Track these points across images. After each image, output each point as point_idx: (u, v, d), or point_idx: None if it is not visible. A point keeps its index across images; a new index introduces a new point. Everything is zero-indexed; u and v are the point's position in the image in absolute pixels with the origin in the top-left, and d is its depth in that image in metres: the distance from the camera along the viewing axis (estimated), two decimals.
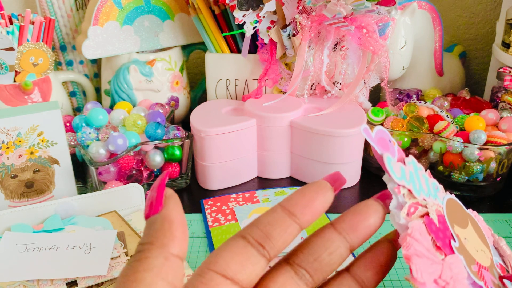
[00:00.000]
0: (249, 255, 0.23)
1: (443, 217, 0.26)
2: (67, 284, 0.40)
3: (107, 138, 0.55)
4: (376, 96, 0.77)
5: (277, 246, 0.24)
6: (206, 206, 0.55)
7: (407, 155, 0.28)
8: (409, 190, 0.25)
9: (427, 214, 0.25)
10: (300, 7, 0.57)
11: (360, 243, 0.25)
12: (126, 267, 0.21)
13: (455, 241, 0.26)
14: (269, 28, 0.60)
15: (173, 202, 0.23)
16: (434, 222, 0.25)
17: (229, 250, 0.23)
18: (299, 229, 0.24)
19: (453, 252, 0.25)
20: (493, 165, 0.55)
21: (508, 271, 0.29)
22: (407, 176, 0.26)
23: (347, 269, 0.26)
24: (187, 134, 0.58)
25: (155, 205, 0.23)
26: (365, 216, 0.25)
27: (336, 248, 0.24)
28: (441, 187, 0.29)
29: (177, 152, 0.58)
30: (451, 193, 0.29)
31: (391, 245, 0.26)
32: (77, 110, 0.77)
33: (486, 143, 0.54)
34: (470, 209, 0.31)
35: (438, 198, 0.27)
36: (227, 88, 0.68)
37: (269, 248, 0.23)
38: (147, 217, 0.23)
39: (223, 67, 0.66)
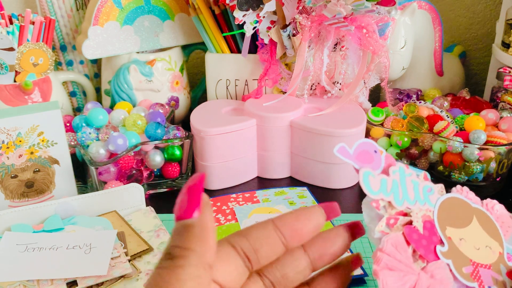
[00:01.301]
0: (237, 265, 0.24)
1: (432, 222, 0.26)
2: (67, 284, 0.40)
3: (107, 138, 0.55)
4: (376, 96, 0.77)
5: (261, 262, 0.25)
6: None
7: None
8: (389, 202, 0.26)
9: (410, 222, 0.26)
10: (300, 7, 0.57)
11: (322, 267, 0.27)
12: (159, 273, 0.20)
13: (443, 245, 0.26)
14: (269, 28, 0.60)
15: (209, 209, 0.23)
16: (416, 230, 0.26)
17: (220, 257, 0.24)
18: (284, 250, 0.25)
19: (437, 258, 0.25)
20: (493, 165, 0.55)
21: None
22: (388, 187, 0.26)
23: (307, 283, 0.27)
24: (187, 134, 0.58)
25: (190, 208, 0.22)
26: (332, 244, 0.26)
27: (302, 269, 0.26)
28: (438, 187, 0.29)
29: (177, 152, 0.58)
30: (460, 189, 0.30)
31: (349, 267, 0.27)
32: (77, 110, 0.77)
33: (486, 143, 0.54)
34: (488, 200, 0.30)
35: (428, 202, 0.27)
36: (227, 88, 0.68)
37: (253, 262, 0.24)
38: (179, 219, 0.22)
39: (223, 67, 0.66)
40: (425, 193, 0.28)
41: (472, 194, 0.30)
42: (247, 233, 0.25)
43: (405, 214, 0.26)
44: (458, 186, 0.30)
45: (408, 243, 0.25)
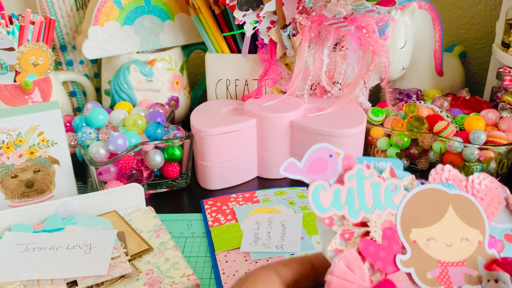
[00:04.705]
0: None
1: (393, 228, 0.25)
2: (67, 284, 0.40)
3: (107, 138, 0.55)
4: (376, 96, 0.77)
5: None
6: (206, 206, 0.55)
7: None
8: (343, 216, 0.25)
9: (368, 233, 0.25)
10: (300, 7, 0.57)
11: None
12: None
13: (406, 251, 0.25)
14: (269, 28, 0.60)
15: None
16: (373, 242, 0.25)
17: (266, 283, 0.25)
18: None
19: (397, 269, 0.24)
20: (493, 165, 0.55)
21: None
22: (342, 199, 0.25)
23: None
24: (187, 134, 0.58)
25: None
26: None
27: None
28: (407, 180, 0.27)
29: (177, 152, 0.58)
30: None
31: None
32: (77, 110, 0.78)
33: (486, 143, 0.54)
34: (475, 176, 0.28)
35: (391, 205, 0.26)
36: (227, 88, 0.68)
37: None
38: None
39: (223, 67, 0.66)
40: (388, 194, 0.26)
41: (454, 172, 0.28)
42: (290, 264, 0.26)
43: (364, 224, 0.25)
44: (438, 167, 0.28)
45: (363, 259, 0.24)
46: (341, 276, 0.24)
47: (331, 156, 0.26)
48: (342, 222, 0.25)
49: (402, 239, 0.25)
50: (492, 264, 0.26)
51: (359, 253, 0.25)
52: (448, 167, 0.28)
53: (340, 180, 0.25)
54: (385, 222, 0.25)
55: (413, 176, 0.27)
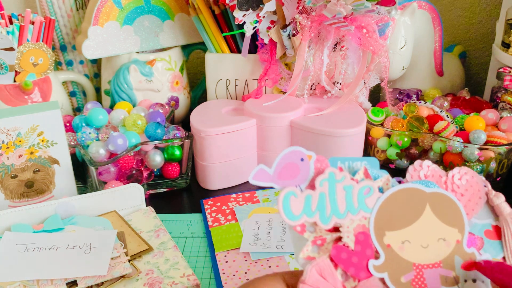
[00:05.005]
0: None
1: (366, 232, 0.25)
2: (67, 284, 0.40)
3: (107, 138, 0.55)
4: (376, 96, 0.77)
5: None
6: (206, 206, 0.55)
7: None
8: (315, 223, 0.24)
9: (340, 238, 0.24)
10: (300, 7, 0.57)
11: None
12: None
13: (378, 257, 0.24)
14: (269, 28, 0.60)
15: None
16: (346, 248, 0.24)
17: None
18: None
19: (370, 275, 0.24)
20: (493, 165, 0.55)
21: (503, 231, 0.27)
22: (313, 205, 0.24)
23: None
24: (187, 134, 0.58)
25: None
26: None
27: None
28: (382, 181, 0.26)
29: (177, 152, 0.58)
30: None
31: None
32: (77, 110, 0.77)
33: (486, 143, 0.54)
34: (455, 170, 0.27)
35: (364, 208, 0.25)
36: (227, 88, 0.68)
37: None
38: None
39: (223, 67, 0.66)
40: (361, 197, 0.25)
41: (433, 167, 0.27)
42: (298, 274, 0.25)
43: (336, 229, 0.25)
44: (417, 163, 0.27)
45: (335, 266, 0.24)
46: (313, 284, 0.23)
47: (302, 159, 0.25)
48: (314, 228, 0.25)
49: (375, 243, 0.25)
50: (471, 265, 0.26)
51: (332, 259, 0.24)
52: (427, 162, 0.27)
53: (312, 185, 0.25)
54: (358, 227, 0.25)
55: (388, 176, 0.26)
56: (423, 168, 0.27)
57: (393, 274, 0.25)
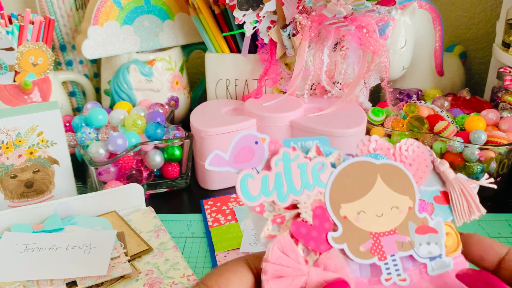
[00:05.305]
0: (248, 283, 0.25)
1: (323, 206, 0.26)
2: (67, 284, 0.40)
3: (107, 138, 0.55)
4: (376, 96, 0.77)
5: None
6: (206, 206, 0.55)
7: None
8: (273, 201, 0.25)
9: (298, 215, 0.25)
10: (300, 7, 0.57)
11: None
12: None
13: (337, 228, 0.25)
14: (269, 28, 0.60)
15: None
16: (304, 223, 0.25)
17: (235, 273, 0.25)
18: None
19: (330, 247, 0.25)
20: (494, 165, 0.55)
21: (450, 195, 0.28)
22: (270, 185, 0.25)
23: None
24: (187, 134, 0.58)
25: None
26: None
27: None
28: (334, 157, 0.27)
29: (177, 152, 0.58)
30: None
31: None
32: (77, 110, 0.77)
33: (487, 143, 0.54)
34: (402, 142, 0.28)
35: (319, 184, 0.26)
36: (227, 88, 0.67)
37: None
38: None
39: (223, 67, 0.66)
40: (315, 173, 0.26)
41: (381, 141, 0.28)
42: (261, 255, 0.25)
43: (294, 206, 0.26)
44: (365, 138, 0.28)
45: (295, 241, 0.25)
46: (276, 262, 0.24)
47: (256, 142, 0.26)
48: (273, 207, 0.25)
49: (332, 216, 0.26)
50: (424, 228, 0.27)
51: (292, 236, 0.25)
52: (375, 137, 0.28)
53: (268, 165, 0.26)
54: (315, 202, 0.26)
55: (339, 152, 0.27)
56: (372, 142, 0.28)
57: (352, 244, 0.25)
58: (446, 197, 0.28)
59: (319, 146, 0.27)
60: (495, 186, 0.29)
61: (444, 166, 0.28)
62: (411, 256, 0.26)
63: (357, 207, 0.26)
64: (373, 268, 0.26)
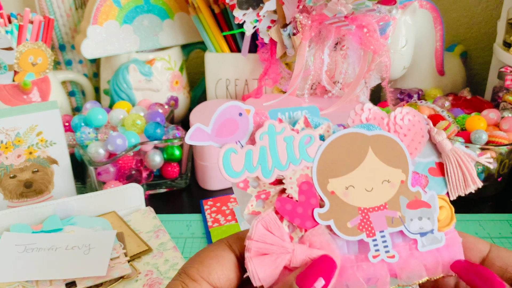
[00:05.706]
0: (232, 266, 0.24)
1: (309, 182, 0.24)
2: (66, 284, 0.40)
3: (106, 138, 0.55)
4: (376, 96, 0.77)
5: None
6: (206, 207, 0.55)
7: None
8: (257, 177, 0.24)
9: (284, 191, 0.24)
10: (301, 6, 0.57)
11: None
12: None
13: (324, 203, 0.24)
14: (269, 27, 0.60)
15: None
16: (290, 199, 0.24)
17: (217, 259, 0.24)
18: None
19: (316, 224, 0.24)
20: (494, 165, 0.55)
21: (446, 167, 0.27)
22: (254, 160, 0.24)
23: None
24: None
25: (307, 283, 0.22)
26: None
27: None
28: (323, 128, 0.26)
29: (177, 152, 0.57)
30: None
31: None
32: (76, 109, 0.77)
33: (487, 143, 0.54)
34: (397, 111, 0.27)
35: (306, 158, 0.25)
36: (227, 88, 0.67)
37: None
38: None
39: (223, 66, 0.66)
40: (302, 147, 0.25)
41: (375, 110, 0.27)
42: (242, 236, 0.24)
43: (280, 181, 0.24)
44: (358, 107, 0.27)
45: (280, 218, 0.24)
46: (260, 239, 0.23)
47: (241, 114, 0.25)
48: (257, 183, 0.24)
49: (319, 191, 0.25)
50: (416, 202, 0.26)
51: (277, 212, 0.24)
52: (368, 105, 0.27)
53: (253, 139, 0.25)
54: (301, 177, 0.25)
55: (329, 123, 0.26)
56: (365, 112, 0.27)
57: (339, 220, 0.24)
58: (441, 169, 0.27)
59: (308, 117, 0.26)
60: (491, 166, 0.28)
61: (441, 136, 0.27)
62: (401, 232, 0.25)
63: (346, 181, 0.25)
64: (361, 244, 0.25)
